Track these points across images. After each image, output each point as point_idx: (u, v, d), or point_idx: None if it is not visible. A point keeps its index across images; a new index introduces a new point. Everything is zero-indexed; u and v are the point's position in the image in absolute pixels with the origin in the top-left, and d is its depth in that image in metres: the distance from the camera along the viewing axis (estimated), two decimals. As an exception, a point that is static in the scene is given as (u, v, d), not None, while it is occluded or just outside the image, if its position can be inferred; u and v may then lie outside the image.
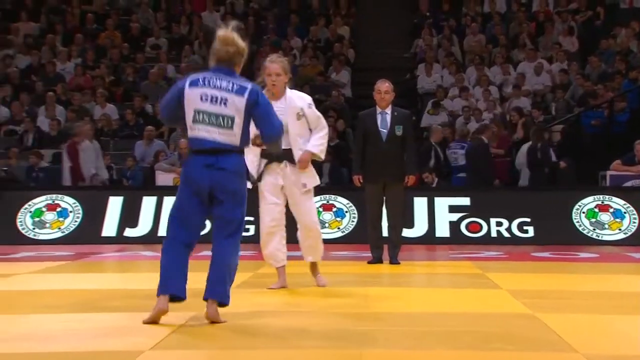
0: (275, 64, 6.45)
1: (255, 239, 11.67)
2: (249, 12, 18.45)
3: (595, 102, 14.74)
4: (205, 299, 5.10)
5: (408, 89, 17.13)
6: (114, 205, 12.05)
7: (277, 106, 6.11)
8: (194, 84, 5.17)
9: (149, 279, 7.74)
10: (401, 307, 5.88)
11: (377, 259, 8.70)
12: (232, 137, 5.09)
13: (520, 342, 4.61)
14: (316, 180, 6.65)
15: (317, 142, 6.52)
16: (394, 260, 8.59)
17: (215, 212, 5.16)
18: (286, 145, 6.38)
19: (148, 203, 12.10)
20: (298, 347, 4.53)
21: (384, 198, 8.59)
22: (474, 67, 16.56)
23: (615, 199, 11.77)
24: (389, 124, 8.58)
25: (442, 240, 11.41)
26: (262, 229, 6.59)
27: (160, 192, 12.34)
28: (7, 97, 16.02)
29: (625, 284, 7.33)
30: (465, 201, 11.88)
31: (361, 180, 8.63)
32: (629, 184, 12.54)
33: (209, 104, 5.08)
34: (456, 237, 11.51)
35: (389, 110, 8.64)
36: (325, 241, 11.10)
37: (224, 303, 5.10)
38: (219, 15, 18.50)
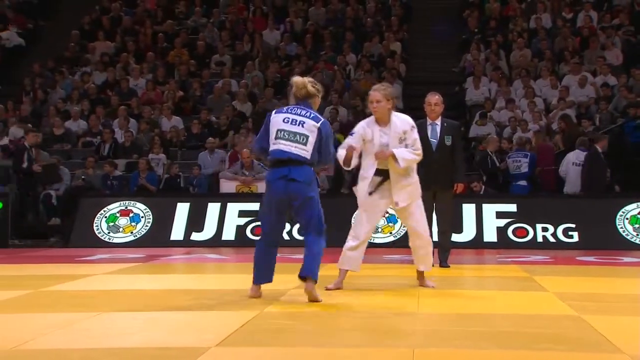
0: (376, 92, 6.66)
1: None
2: (307, 30, 18.53)
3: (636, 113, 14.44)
4: (302, 276, 5.98)
5: (457, 101, 17.02)
6: (182, 211, 12.20)
7: (384, 131, 6.61)
8: (279, 112, 6.12)
9: (214, 279, 7.85)
10: (452, 308, 5.84)
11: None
12: (304, 151, 5.96)
13: (567, 342, 4.55)
14: (414, 196, 6.71)
15: (404, 152, 6.59)
16: (444, 264, 8.55)
17: (296, 216, 6.08)
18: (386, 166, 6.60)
19: (213, 209, 12.22)
20: (352, 345, 4.54)
21: (434, 205, 8.55)
22: (520, 80, 16.38)
23: (658, 205, 11.53)
24: (438, 134, 8.56)
25: (490, 245, 11.30)
26: (357, 234, 6.66)
27: (224, 199, 12.48)
28: (85, 111, 16.36)
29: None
30: (512, 207, 11.74)
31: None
32: (671, 191, 12.26)
33: (289, 125, 6.00)
34: (503, 241, 11.39)
35: (438, 122, 8.62)
36: (377, 245, 11.16)
37: (315, 279, 5.98)
38: (278, 34, 18.65)
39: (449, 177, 8.54)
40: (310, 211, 5.97)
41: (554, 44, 17.56)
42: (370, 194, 6.60)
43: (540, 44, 17.41)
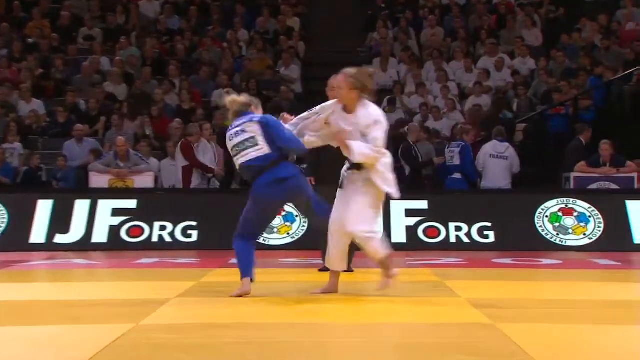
0: (337, 77, 6.82)
1: (198, 245, 11.80)
2: (192, 2, 18.39)
3: (559, 99, 15.00)
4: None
5: (362, 85, 17.18)
6: (43, 209, 11.94)
7: (348, 119, 6.66)
8: (227, 134, 6.86)
9: (82, 288, 7.71)
10: (354, 318, 5.93)
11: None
12: (261, 150, 6.58)
13: (479, 353, 4.69)
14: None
15: (362, 146, 6.54)
16: (347, 268, 8.66)
17: (298, 205, 6.96)
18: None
19: (81, 207, 12.01)
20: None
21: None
22: (432, 61, 16.74)
23: (579, 202, 12.00)
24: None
25: (399, 246, 11.51)
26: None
27: (95, 195, 12.27)
28: None
29: (590, 292, 7.48)
30: (422, 204, 12.00)
31: (313, 182, 8.69)
32: (594, 186, 12.78)
33: (236, 138, 6.71)
34: (413, 242, 11.64)
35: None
36: (273, 247, 11.22)
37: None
38: (158, 4, 18.42)
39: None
40: (307, 196, 6.71)
41: (469, 23, 18.02)
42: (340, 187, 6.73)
43: (453, 22, 17.83)
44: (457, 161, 13.13)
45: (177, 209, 12.11)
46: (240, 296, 6.60)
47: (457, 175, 13.11)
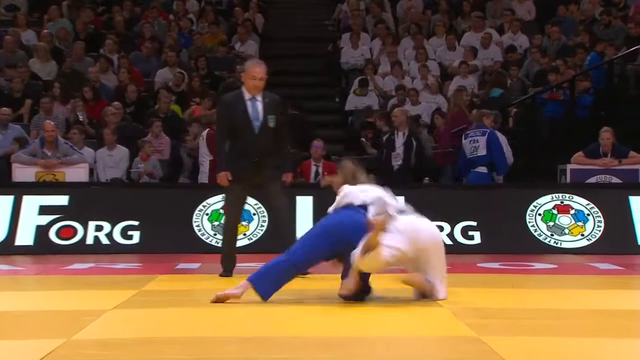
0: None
1: (140, 248, 11.74)
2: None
3: (555, 81, 15.12)
4: None
5: (330, 64, 17.26)
6: (-42, 206, 11.86)
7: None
8: None
9: (4, 299, 7.65)
10: (315, 330, 5.95)
11: (229, 272, 9.04)
12: None
13: (462, 370, 4.73)
14: None
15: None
16: None
17: None
18: None
19: (2, 204, 11.93)
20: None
21: (266, 201, 9.11)
22: (409, 37, 16.80)
23: (577, 198, 12.11)
24: (261, 114, 8.89)
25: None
26: None
27: (19, 190, 12.18)
28: None
29: (587, 301, 7.55)
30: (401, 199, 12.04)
31: (230, 178, 8.87)
32: (592, 180, 12.86)
33: None
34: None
35: (260, 97, 8.94)
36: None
37: None
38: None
39: (276, 166, 8.95)
40: None
41: (451, -8, 18.12)
42: None
43: (434, -8, 17.92)
44: (482, 151, 12.89)
45: (116, 207, 12.05)
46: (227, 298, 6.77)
47: (483, 169, 12.93)
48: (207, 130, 12.90)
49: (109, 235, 11.87)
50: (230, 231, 9.16)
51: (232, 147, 8.95)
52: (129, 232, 11.91)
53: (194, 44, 16.74)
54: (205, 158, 12.93)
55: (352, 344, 5.49)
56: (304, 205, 11.88)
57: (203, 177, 12.96)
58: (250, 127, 8.83)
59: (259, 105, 8.89)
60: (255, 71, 8.88)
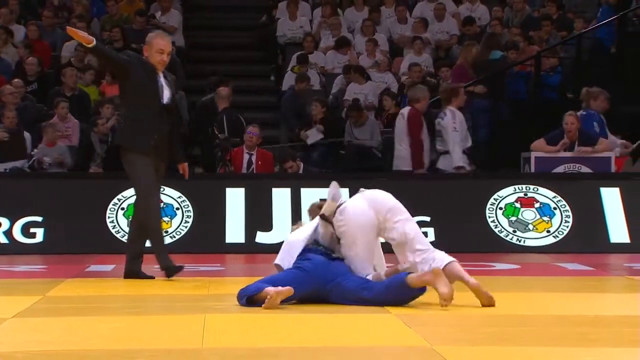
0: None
1: (44, 248, 11.63)
2: None
3: (517, 58, 15.23)
4: None
5: (264, 38, 17.23)
6: None
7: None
8: None
9: None
10: (248, 340, 5.95)
11: (134, 272, 9.06)
12: None
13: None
14: None
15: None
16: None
17: None
18: None
19: None
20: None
21: None
22: (354, 8, 16.83)
23: (542, 190, 12.21)
24: (167, 91, 9.01)
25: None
26: None
27: None
28: None
29: (553, 306, 7.65)
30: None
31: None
32: (559, 169, 12.95)
33: None
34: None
35: (161, 74, 9.04)
36: (147, 251, 11.06)
37: None
38: None
39: (170, 154, 9.11)
40: None
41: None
42: None
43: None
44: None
45: (16, 200, 11.94)
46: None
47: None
48: (409, 109, 12.67)
49: (8, 234, 11.76)
50: (154, 209, 9.11)
51: (134, 117, 9.00)
52: (31, 230, 11.81)
53: (108, 12, 16.59)
54: (404, 140, 12.69)
55: (278, 355, 5.49)
56: (235, 198, 11.87)
57: (404, 164, 12.76)
58: (157, 104, 8.88)
59: (164, 83, 8.96)
60: (162, 44, 8.94)
